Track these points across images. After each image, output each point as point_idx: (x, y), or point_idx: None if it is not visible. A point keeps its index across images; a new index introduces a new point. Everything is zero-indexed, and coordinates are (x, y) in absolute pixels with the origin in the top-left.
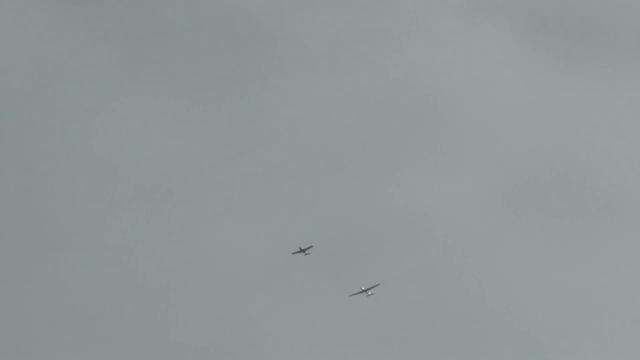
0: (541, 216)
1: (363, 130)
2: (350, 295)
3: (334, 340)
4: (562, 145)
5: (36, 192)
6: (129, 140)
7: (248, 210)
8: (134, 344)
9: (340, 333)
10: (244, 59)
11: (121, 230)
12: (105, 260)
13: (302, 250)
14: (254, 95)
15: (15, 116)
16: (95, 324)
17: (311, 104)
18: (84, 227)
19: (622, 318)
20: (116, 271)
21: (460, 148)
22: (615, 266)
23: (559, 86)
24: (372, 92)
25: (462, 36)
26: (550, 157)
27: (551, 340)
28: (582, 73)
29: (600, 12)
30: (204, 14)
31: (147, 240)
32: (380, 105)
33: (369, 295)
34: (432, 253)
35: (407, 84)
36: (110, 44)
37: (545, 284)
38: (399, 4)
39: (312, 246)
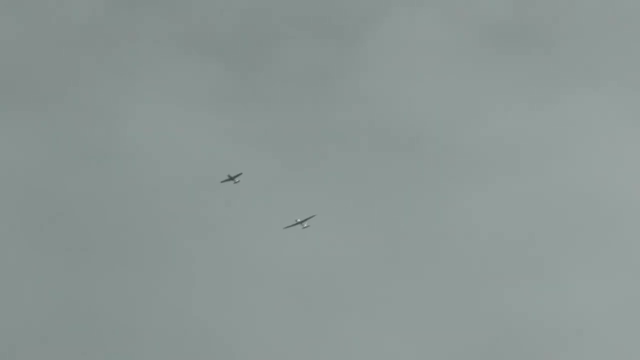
0: None
1: (523, 234)
2: (284, 228)
3: None
4: None
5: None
6: (290, 240)
7: (404, 314)
8: None
9: None
10: (406, 163)
11: (281, 335)
12: None
13: (231, 178)
14: (415, 198)
15: (184, 221)
16: None
17: (471, 209)
18: (255, 337)
19: None
20: None
21: (624, 253)
22: None
23: None
24: (533, 196)
25: (623, 140)
26: None
27: None
28: None
29: None
30: (368, 118)
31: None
32: (541, 209)
33: (305, 227)
34: None
35: (568, 188)
36: (275, 146)
37: None
38: (561, 108)
39: (241, 173)
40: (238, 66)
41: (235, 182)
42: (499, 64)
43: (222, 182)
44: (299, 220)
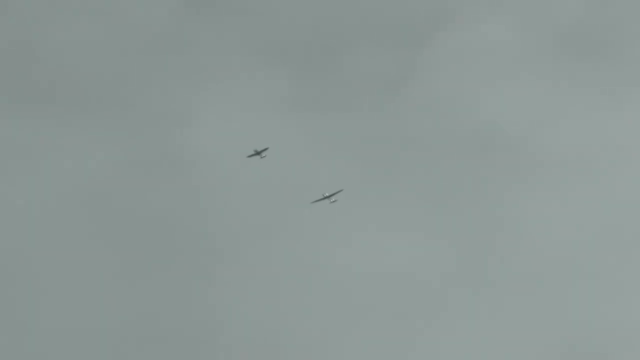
0: None
1: (596, 241)
2: (312, 202)
3: None
4: None
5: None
6: (363, 250)
7: (477, 324)
8: None
9: None
10: (486, 167)
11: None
12: None
13: (258, 153)
14: (494, 202)
15: (259, 232)
16: None
17: (550, 214)
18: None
19: None
20: None
21: None
22: None
23: None
24: (609, 201)
25: None
26: None
27: None
28: None
29: None
30: (439, 123)
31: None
32: (617, 214)
33: (332, 202)
34: None
35: None
36: (350, 151)
37: None
38: (636, 112)
39: (268, 148)
40: (308, 73)
41: (262, 157)
42: (572, 67)
43: (248, 156)
44: (326, 194)
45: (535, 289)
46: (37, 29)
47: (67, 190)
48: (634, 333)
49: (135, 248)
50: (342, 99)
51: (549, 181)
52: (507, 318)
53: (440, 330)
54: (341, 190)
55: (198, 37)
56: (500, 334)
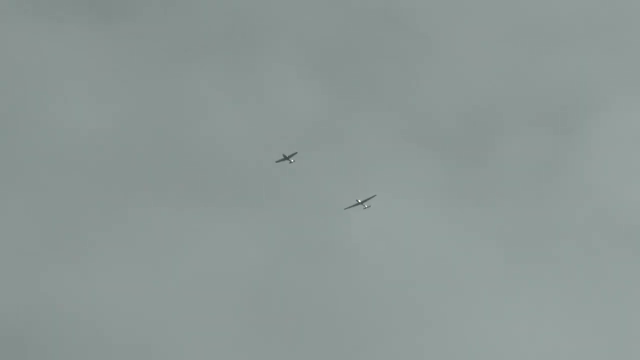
0: None
1: None
2: (345, 209)
3: None
4: None
5: None
6: (508, 337)
7: None
8: None
9: None
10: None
11: None
12: None
13: (287, 158)
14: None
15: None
16: None
17: None
18: None
19: None
20: None
21: None
22: None
23: None
24: None
25: None
26: None
27: None
28: None
29: None
30: (594, 211)
31: None
32: None
33: (366, 208)
34: None
35: None
36: (495, 241)
37: None
38: None
39: (296, 152)
40: (458, 159)
41: (291, 162)
42: None
43: (277, 162)
44: (359, 200)
45: None
46: (188, 123)
47: (226, 281)
48: None
49: (298, 338)
50: (491, 186)
51: None
52: None
53: None
54: (374, 196)
55: (352, 126)
56: None
